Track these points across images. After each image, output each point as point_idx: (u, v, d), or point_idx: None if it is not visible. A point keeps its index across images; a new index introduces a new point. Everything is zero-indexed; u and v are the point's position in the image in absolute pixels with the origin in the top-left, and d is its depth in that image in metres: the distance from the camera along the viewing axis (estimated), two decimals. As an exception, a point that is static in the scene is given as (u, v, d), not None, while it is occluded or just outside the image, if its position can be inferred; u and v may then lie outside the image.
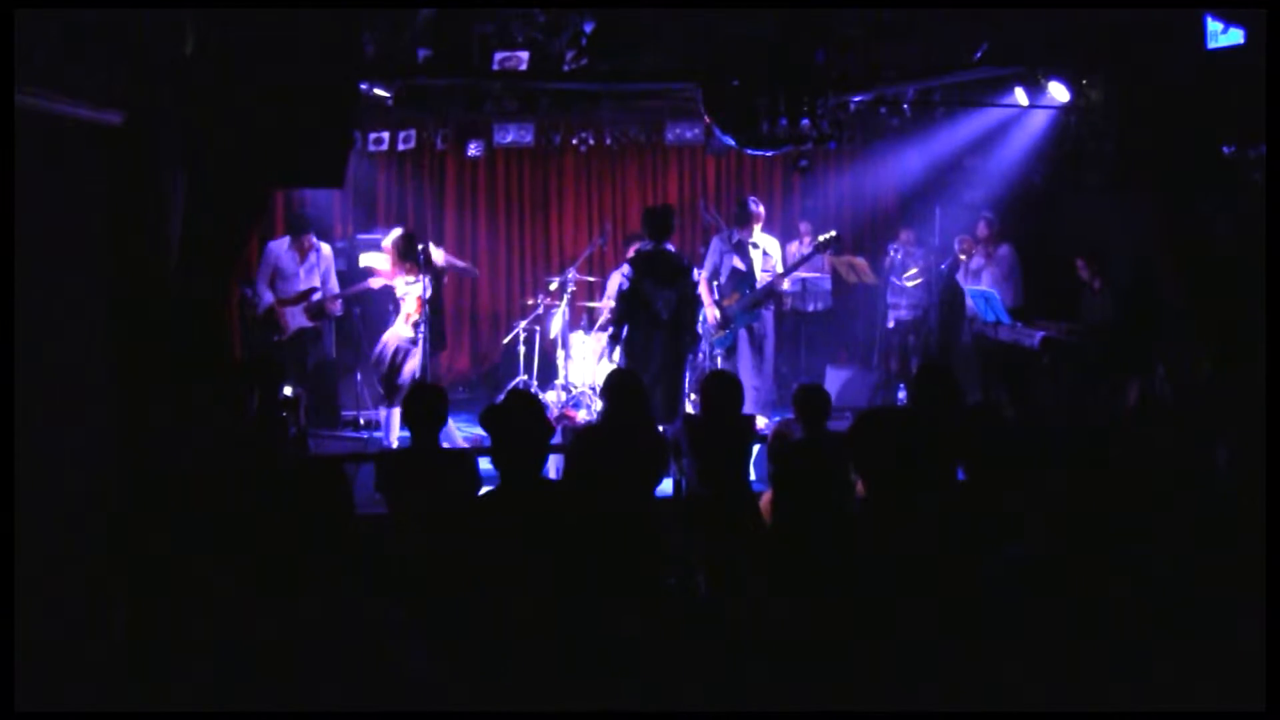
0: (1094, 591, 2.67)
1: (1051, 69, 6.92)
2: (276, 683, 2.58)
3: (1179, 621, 2.69)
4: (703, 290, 7.76)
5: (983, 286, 8.38)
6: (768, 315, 8.01)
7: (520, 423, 3.71)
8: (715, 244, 8.01)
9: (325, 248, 7.92)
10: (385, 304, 8.04)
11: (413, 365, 7.26)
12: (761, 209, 8.01)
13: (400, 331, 7.33)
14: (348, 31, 5.92)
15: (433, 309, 7.37)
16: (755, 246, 7.89)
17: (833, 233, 8.17)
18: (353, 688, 2.65)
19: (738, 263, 7.83)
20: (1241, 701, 2.52)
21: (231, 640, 2.59)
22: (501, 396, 4.21)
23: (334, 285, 7.88)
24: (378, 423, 7.84)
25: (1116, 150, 6.51)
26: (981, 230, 8.67)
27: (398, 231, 7.45)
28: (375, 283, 7.71)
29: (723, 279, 7.88)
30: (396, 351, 7.31)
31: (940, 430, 3.89)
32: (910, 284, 8.89)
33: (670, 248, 7.01)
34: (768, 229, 8.88)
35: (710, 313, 7.77)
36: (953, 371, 5.07)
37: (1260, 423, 4.51)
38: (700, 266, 7.85)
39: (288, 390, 6.70)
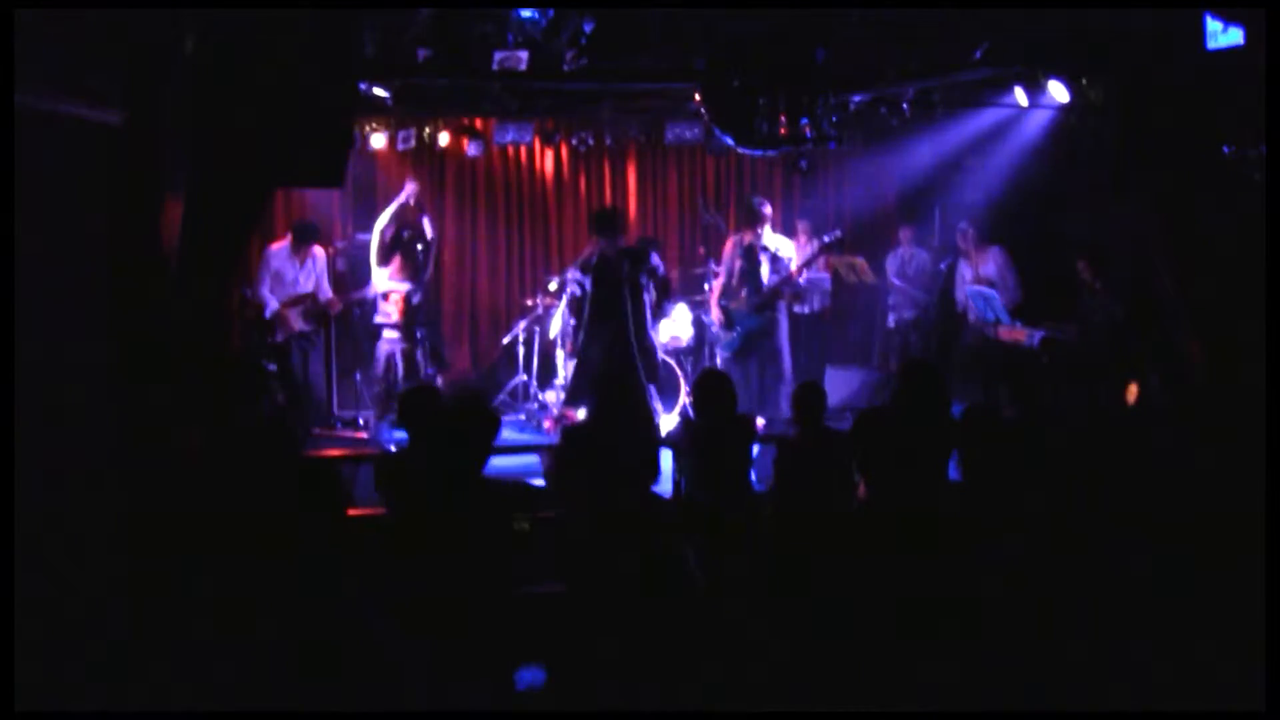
0: (1093, 590, 2.67)
1: (1051, 69, 6.91)
2: (276, 681, 2.58)
3: (1178, 620, 2.69)
4: (713, 292, 8.02)
5: (982, 287, 8.38)
6: (783, 322, 8.02)
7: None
8: (730, 246, 8.09)
9: (319, 251, 7.95)
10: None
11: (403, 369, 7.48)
12: (769, 209, 8.04)
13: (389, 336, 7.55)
14: (348, 31, 5.92)
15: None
16: (765, 249, 7.90)
17: (837, 233, 8.24)
18: (353, 686, 2.65)
19: (744, 264, 7.89)
20: (1241, 701, 2.52)
21: (232, 639, 2.59)
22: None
23: (326, 288, 7.90)
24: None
25: (1116, 150, 6.50)
26: (962, 243, 8.67)
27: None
28: (375, 289, 7.81)
29: (734, 280, 7.98)
30: (390, 358, 7.50)
31: (931, 429, 3.90)
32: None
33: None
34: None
35: (714, 313, 7.87)
36: (937, 370, 5.06)
37: (1259, 422, 4.51)
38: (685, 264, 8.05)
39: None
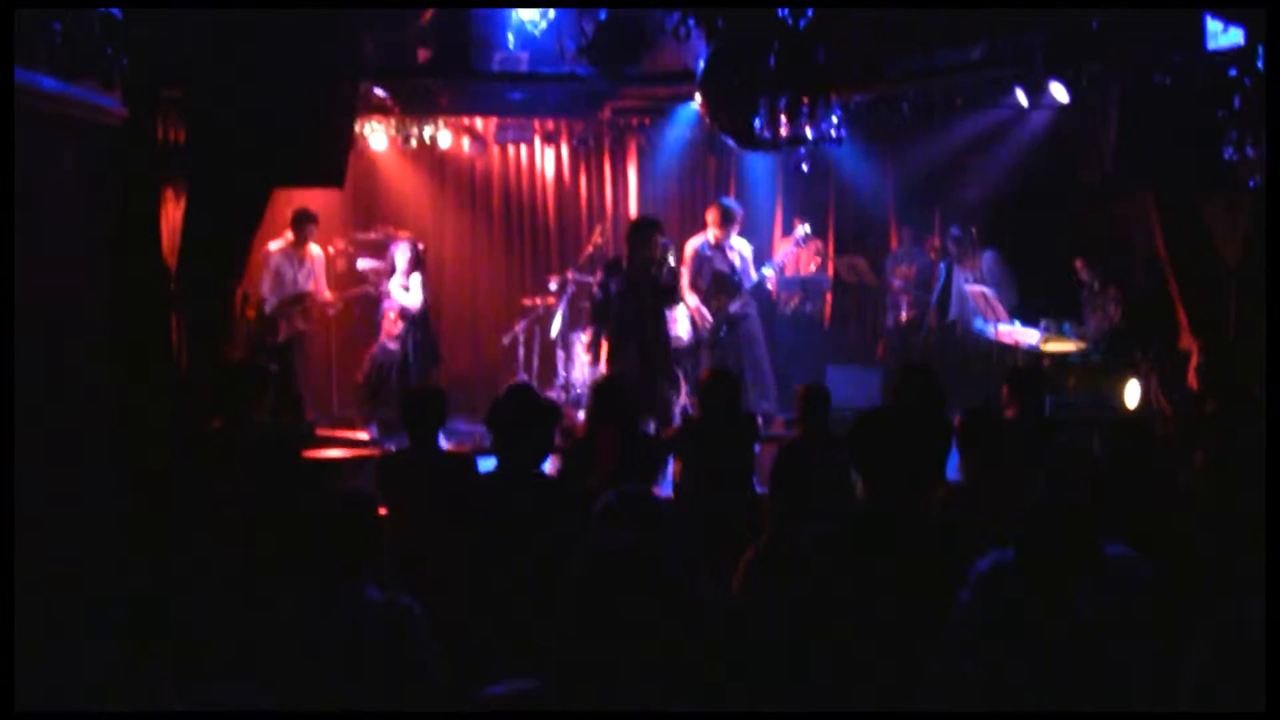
0: (1092, 590, 2.67)
1: (1051, 69, 6.92)
2: (276, 681, 2.59)
3: (1178, 620, 2.69)
4: (686, 295, 7.81)
5: (982, 287, 8.39)
6: (755, 316, 8.05)
7: (520, 419, 3.78)
8: (695, 249, 8.00)
9: (318, 250, 7.97)
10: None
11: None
12: (742, 212, 8.06)
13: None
14: (348, 31, 5.93)
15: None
16: (733, 249, 7.93)
17: (805, 227, 8.32)
18: (353, 686, 2.65)
19: (719, 265, 7.88)
20: (1241, 702, 2.52)
21: (233, 638, 2.59)
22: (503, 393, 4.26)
23: (324, 288, 7.92)
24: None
25: (1116, 150, 6.51)
26: (954, 248, 8.66)
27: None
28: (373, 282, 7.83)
29: (705, 283, 7.90)
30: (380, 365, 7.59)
31: (928, 430, 3.90)
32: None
33: None
34: (767, 229, 8.90)
35: (698, 318, 7.84)
36: (933, 371, 5.07)
37: (1259, 422, 4.51)
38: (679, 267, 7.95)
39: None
